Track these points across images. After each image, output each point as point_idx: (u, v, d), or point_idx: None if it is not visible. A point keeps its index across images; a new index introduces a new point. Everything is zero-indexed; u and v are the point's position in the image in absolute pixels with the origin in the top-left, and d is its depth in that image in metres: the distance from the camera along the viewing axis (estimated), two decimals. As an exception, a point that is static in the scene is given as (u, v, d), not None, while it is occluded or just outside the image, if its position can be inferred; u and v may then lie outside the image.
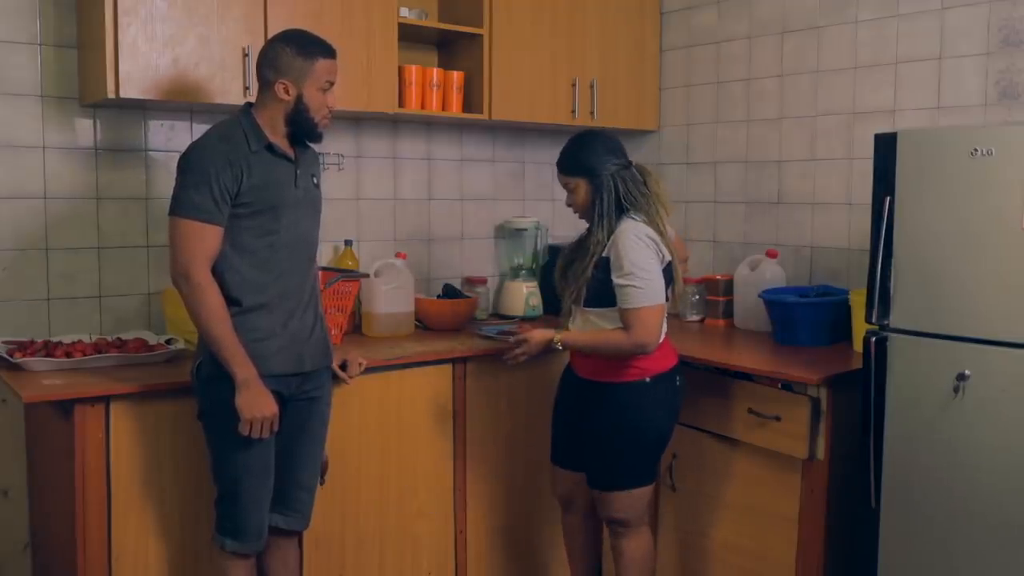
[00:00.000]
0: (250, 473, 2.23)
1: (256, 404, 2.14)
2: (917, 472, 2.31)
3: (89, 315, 2.87)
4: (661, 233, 2.45)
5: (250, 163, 2.17)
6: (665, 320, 2.52)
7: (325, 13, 2.87)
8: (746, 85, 3.48)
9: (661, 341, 2.49)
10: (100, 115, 2.86)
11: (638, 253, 2.39)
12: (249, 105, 2.29)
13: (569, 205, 2.57)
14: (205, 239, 2.12)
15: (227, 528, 2.26)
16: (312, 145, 2.37)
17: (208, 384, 2.21)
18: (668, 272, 2.47)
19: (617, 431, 2.50)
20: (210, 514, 2.38)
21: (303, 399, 2.33)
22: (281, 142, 2.26)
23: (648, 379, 2.48)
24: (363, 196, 3.41)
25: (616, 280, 2.40)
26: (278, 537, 2.40)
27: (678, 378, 2.55)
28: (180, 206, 2.13)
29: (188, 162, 2.15)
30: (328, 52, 2.26)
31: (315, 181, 2.36)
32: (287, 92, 2.21)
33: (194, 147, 2.18)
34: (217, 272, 2.16)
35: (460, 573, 2.99)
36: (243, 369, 2.14)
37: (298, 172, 2.27)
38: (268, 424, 2.17)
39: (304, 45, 2.23)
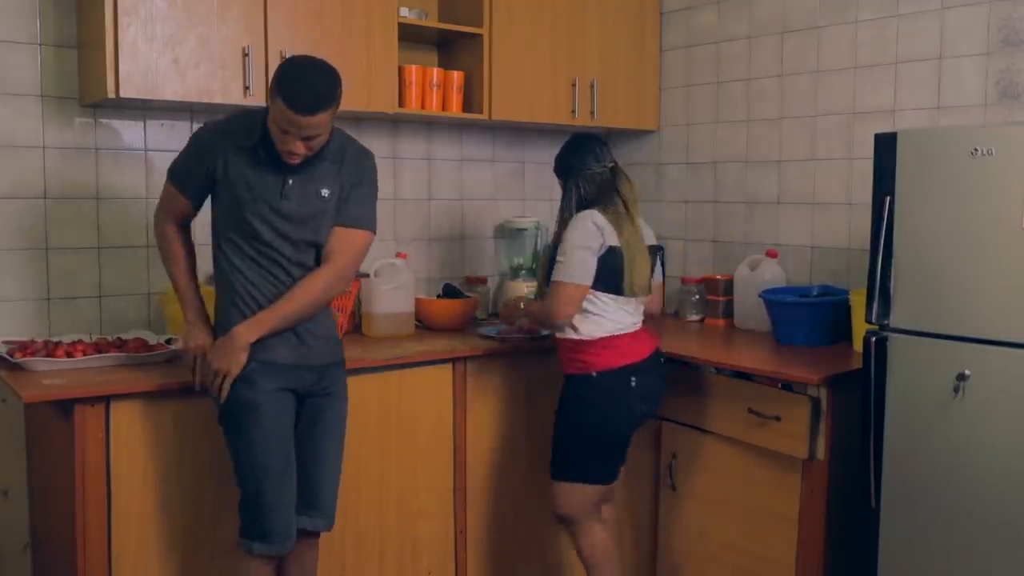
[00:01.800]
0: (272, 473, 2.22)
1: (190, 335, 2.29)
2: (917, 472, 2.31)
3: (89, 315, 2.87)
4: (619, 227, 2.53)
5: (231, 156, 2.19)
6: (627, 314, 2.58)
7: (325, 13, 2.87)
8: (746, 85, 3.48)
9: (609, 336, 2.55)
10: (100, 115, 2.86)
11: (575, 232, 2.52)
12: None
13: None
14: (171, 199, 2.31)
15: (254, 532, 2.24)
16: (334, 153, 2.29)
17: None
18: (611, 259, 2.52)
19: (560, 421, 2.64)
20: (210, 514, 2.39)
21: (318, 395, 2.33)
22: None
23: (594, 374, 2.55)
24: (363, 196, 3.41)
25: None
26: (302, 538, 2.37)
27: (634, 379, 2.54)
28: (170, 166, 2.33)
29: (192, 136, 2.31)
30: (291, 102, 2.05)
31: (324, 194, 2.24)
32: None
33: (204, 125, 2.30)
34: (226, 264, 2.25)
35: (460, 573, 2.99)
36: (188, 312, 2.32)
37: (290, 182, 2.20)
38: (198, 354, 2.26)
39: (282, 79, 2.09)
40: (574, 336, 2.57)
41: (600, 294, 2.54)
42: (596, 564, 2.66)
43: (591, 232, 2.51)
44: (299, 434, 2.31)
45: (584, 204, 2.58)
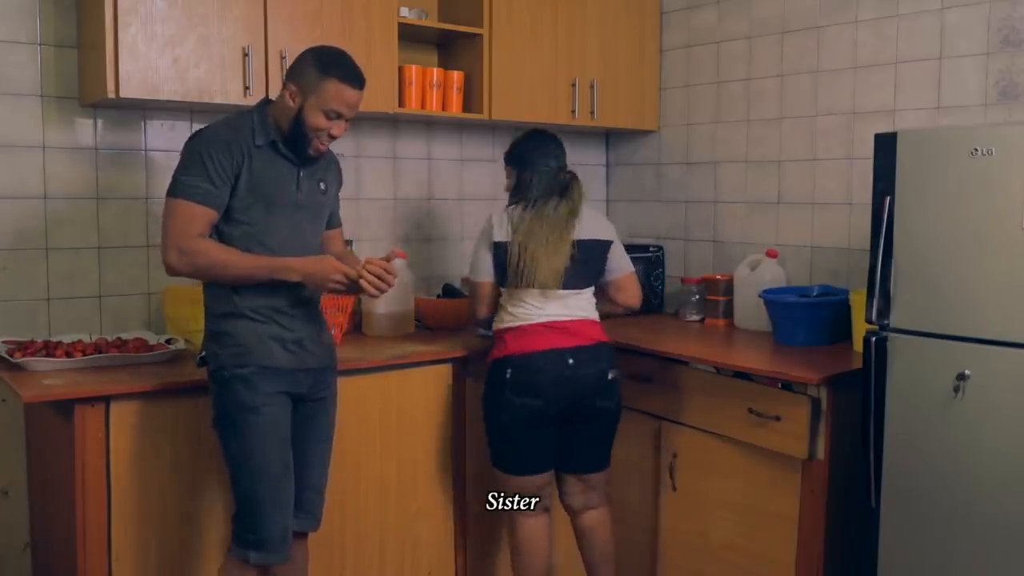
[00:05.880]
0: (270, 478, 2.19)
1: (323, 274, 2.14)
2: (917, 472, 2.31)
3: (89, 315, 2.87)
4: (522, 222, 2.61)
5: (251, 155, 2.15)
6: (530, 307, 2.62)
7: (325, 13, 2.87)
8: (746, 85, 3.48)
9: (503, 327, 2.64)
10: (100, 115, 2.86)
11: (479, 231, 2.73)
12: (268, 101, 2.27)
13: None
14: (196, 218, 2.11)
15: (251, 540, 2.18)
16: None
17: (224, 387, 2.18)
18: (498, 253, 2.64)
19: None
20: (210, 514, 2.38)
21: (312, 399, 2.32)
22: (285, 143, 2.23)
23: (490, 362, 2.68)
24: (363, 196, 3.41)
25: None
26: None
27: (509, 371, 2.58)
28: (175, 187, 2.13)
29: (190, 146, 2.15)
30: (349, 78, 2.16)
31: (323, 187, 2.31)
32: (292, 99, 2.17)
33: (198, 133, 2.18)
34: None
35: (460, 573, 2.99)
36: (285, 267, 2.14)
37: (301, 174, 2.24)
38: (339, 278, 2.14)
39: (326, 61, 2.16)
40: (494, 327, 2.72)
41: (503, 288, 2.69)
42: (513, 555, 2.74)
43: (485, 229, 2.69)
44: (293, 438, 2.27)
45: (513, 200, 2.71)
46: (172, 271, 2.15)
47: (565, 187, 2.68)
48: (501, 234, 2.64)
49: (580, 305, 2.68)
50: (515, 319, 2.63)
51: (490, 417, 2.68)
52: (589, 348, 2.63)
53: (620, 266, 2.81)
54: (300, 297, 2.25)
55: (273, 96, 2.34)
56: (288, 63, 2.32)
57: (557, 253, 2.60)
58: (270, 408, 2.19)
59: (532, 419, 2.60)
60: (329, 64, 2.15)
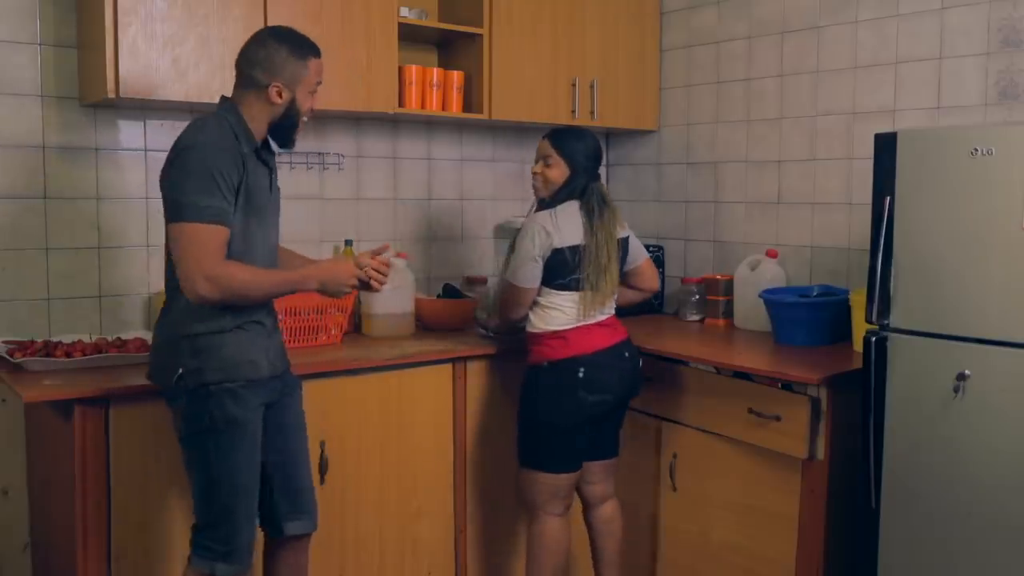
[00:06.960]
0: (248, 492, 2.16)
1: (338, 280, 2.18)
2: (917, 472, 2.31)
3: (89, 315, 2.87)
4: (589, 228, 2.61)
5: (246, 162, 2.09)
6: (582, 309, 2.63)
7: (325, 13, 2.87)
8: (746, 85, 3.48)
9: (560, 329, 2.62)
10: (100, 115, 2.86)
11: (521, 238, 2.64)
12: (226, 99, 2.19)
13: (536, 173, 2.72)
14: (217, 241, 1.99)
15: (220, 552, 2.13)
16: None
17: (207, 402, 2.09)
18: (558, 258, 2.59)
19: (520, 410, 2.72)
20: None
21: (279, 399, 2.27)
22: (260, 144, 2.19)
23: (545, 364, 2.64)
24: (363, 196, 3.41)
25: None
26: (293, 542, 2.35)
27: (582, 370, 2.59)
28: (186, 210, 1.96)
29: (192, 161, 2.00)
30: (318, 51, 2.21)
31: (278, 185, 2.30)
32: (280, 96, 2.13)
33: (192, 145, 2.02)
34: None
35: (460, 573, 2.99)
36: (303, 278, 2.15)
37: (272, 175, 2.23)
38: (354, 282, 2.19)
39: (298, 45, 2.16)
40: (531, 329, 2.69)
41: (550, 289, 2.65)
42: (535, 554, 2.71)
43: (538, 233, 2.59)
44: (271, 442, 2.24)
45: (560, 199, 2.67)
46: (203, 301, 2.00)
47: (601, 191, 2.71)
48: (564, 239, 2.60)
49: (613, 303, 2.76)
50: (574, 320, 2.63)
51: (551, 417, 2.62)
52: (629, 342, 2.75)
53: (640, 254, 2.89)
54: (271, 306, 2.25)
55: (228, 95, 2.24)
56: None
57: (612, 258, 2.65)
58: (255, 423, 2.16)
59: (598, 415, 2.66)
60: (301, 46, 2.17)
